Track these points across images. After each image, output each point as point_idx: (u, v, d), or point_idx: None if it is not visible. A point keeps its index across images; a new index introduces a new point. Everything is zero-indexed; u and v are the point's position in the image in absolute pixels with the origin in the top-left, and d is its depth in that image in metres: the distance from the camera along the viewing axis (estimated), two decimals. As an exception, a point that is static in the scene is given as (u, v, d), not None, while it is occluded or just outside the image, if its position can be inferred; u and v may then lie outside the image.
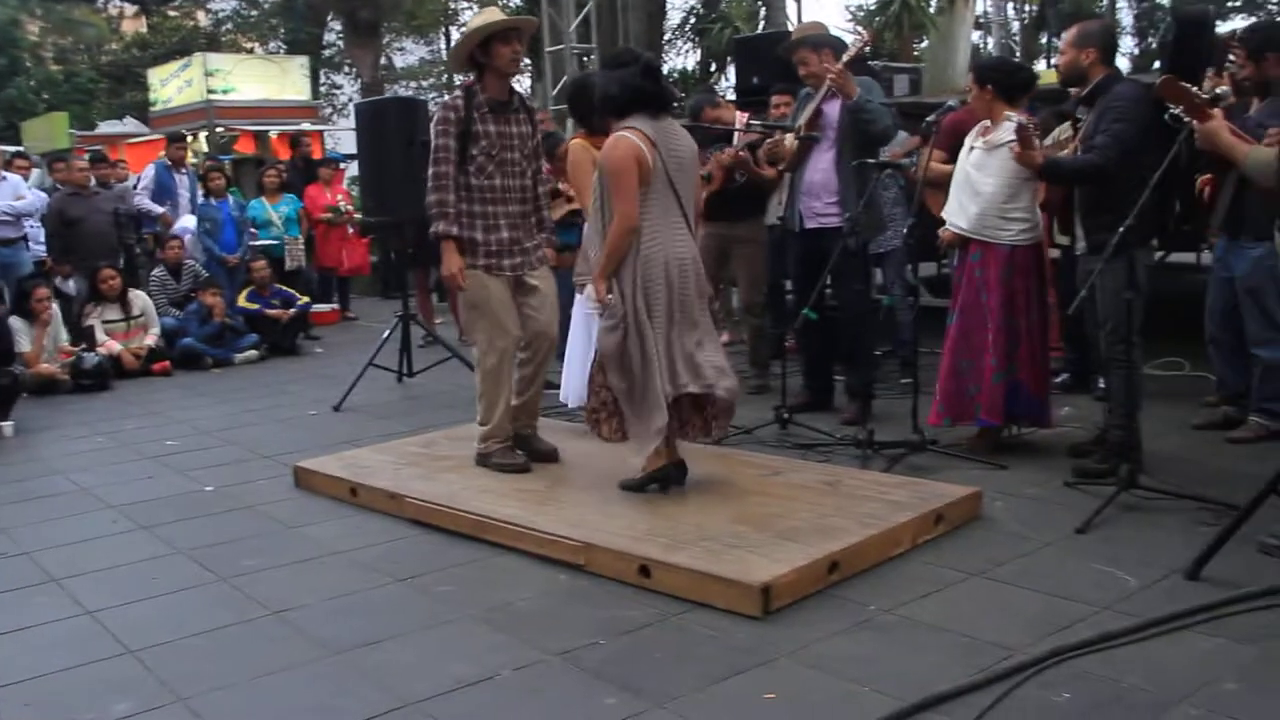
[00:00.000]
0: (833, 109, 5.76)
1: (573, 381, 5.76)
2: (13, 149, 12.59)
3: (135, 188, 10.88)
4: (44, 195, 10.61)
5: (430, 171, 4.98)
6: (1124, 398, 4.69)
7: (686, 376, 4.38)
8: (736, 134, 6.74)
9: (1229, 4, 24.23)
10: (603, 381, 4.47)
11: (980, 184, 5.06)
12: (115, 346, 8.78)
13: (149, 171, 10.96)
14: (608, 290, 4.37)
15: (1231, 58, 5.31)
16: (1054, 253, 6.08)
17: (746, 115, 7.34)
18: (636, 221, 4.29)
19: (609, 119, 4.46)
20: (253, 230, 10.79)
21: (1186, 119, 4.20)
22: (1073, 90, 4.99)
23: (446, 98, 5.16)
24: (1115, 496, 4.30)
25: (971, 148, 5.18)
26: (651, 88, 4.38)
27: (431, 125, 5.08)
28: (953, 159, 5.42)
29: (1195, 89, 4.16)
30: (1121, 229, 4.27)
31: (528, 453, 5.16)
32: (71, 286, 9.87)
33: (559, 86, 12.78)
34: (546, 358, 5.26)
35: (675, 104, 4.67)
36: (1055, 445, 5.31)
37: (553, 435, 5.39)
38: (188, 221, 10.62)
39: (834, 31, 6.25)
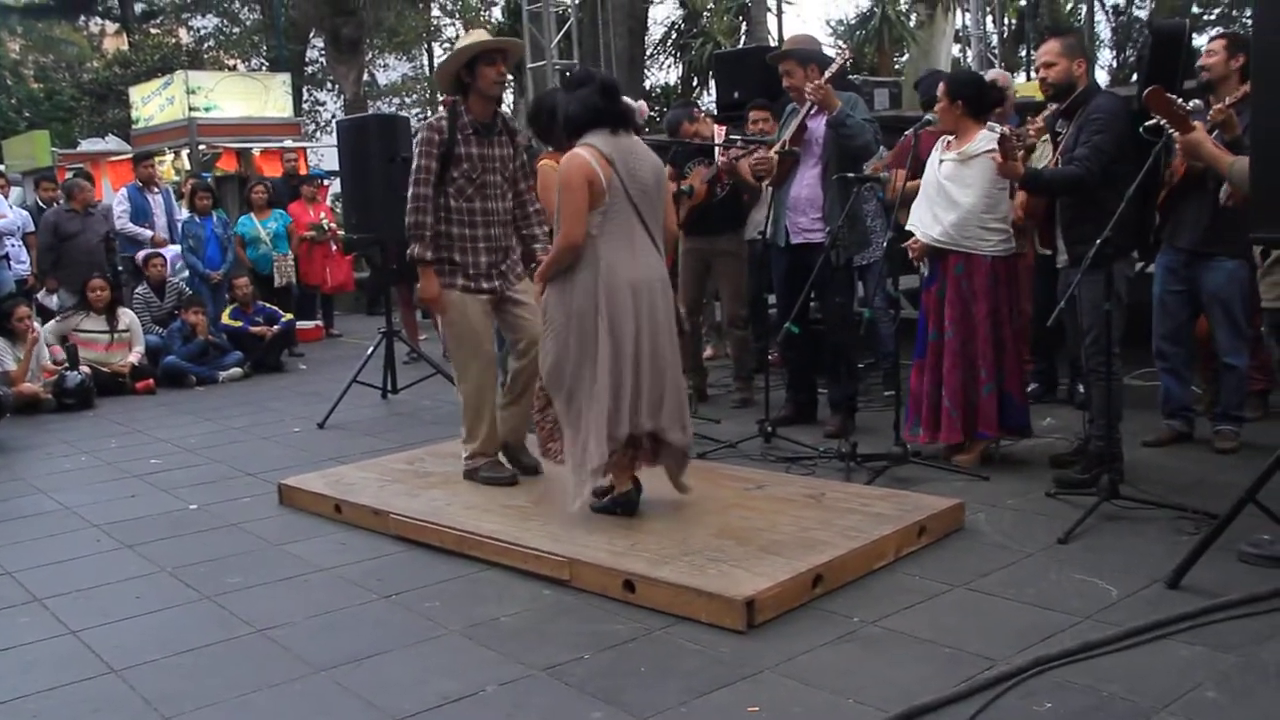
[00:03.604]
0: (817, 124, 5.80)
1: None
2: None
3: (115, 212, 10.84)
4: (25, 214, 10.61)
5: (410, 192, 4.98)
6: (1105, 408, 4.72)
7: (645, 415, 4.29)
8: (717, 149, 6.77)
9: (1204, 17, 24.46)
10: (545, 404, 4.49)
11: (957, 195, 5.09)
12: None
13: (122, 195, 10.93)
14: (544, 294, 4.39)
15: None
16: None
17: (724, 129, 7.38)
18: (578, 240, 4.23)
19: (571, 139, 4.46)
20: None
21: (1169, 130, 4.24)
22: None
23: (430, 118, 5.15)
24: (1096, 506, 4.33)
25: (941, 160, 5.21)
26: (607, 105, 4.32)
27: (414, 144, 5.08)
28: (912, 177, 5.46)
29: (1179, 100, 4.20)
30: (1099, 240, 4.31)
31: (512, 463, 5.18)
32: (55, 301, 9.86)
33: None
34: (533, 376, 5.25)
35: (639, 124, 4.64)
36: (1036, 456, 5.35)
37: (534, 451, 5.39)
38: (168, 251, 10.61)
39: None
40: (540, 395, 4.57)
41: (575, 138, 4.38)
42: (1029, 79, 18.50)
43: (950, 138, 5.20)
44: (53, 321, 8.92)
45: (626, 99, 4.52)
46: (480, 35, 5.16)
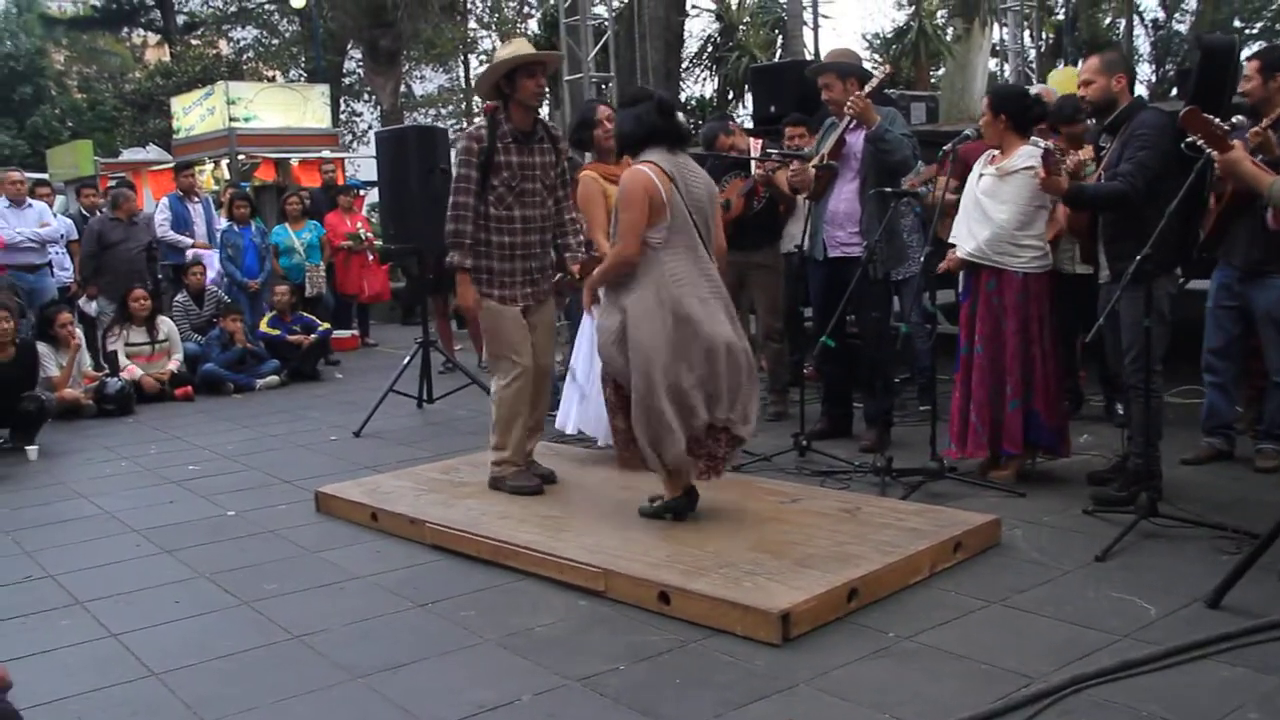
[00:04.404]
0: (856, 139, 5.80)
1: (572, 408, 5.79)
2: (35, 176, 12.77)
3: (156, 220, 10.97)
4: (69, 221, 10.76)
5: (451, 201, 5.02)
6: (1144, 425, 4.69)
7: (721, 408, 4.36)
8: (752, 162, 6.78)
9: (1247, 31, 24.27)
10: (615, 404, 4.51)
11: (993, 210, 5.07)
12: (136, 371, 8.87)
13: (163, 204, 11.09)
14: (612, 311, 4.43)
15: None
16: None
17: (760, 141, 7.38)
18: (634, 254, 4.31)
19: (625, 156, 4.50)
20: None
21: (1207, 149, 4.21)
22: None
23: (470, 127, 5.19)
24: (1135, 524, 4.30)
25: (981, 174, 5.18)
26: (666, 123, 4.41)
27: (454, 153, 5.13)
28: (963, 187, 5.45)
29: (1216, 120, 4.17)
30: (1139, 257, 4.29)
31: None
32: (94, 308, 9.98)
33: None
34: (542, 389, 5.31)
35: (691, 136, 4.70)
36: (1074, 473, 5.31)
37: (570, 462, 5.42)
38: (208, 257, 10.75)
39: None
40: (612, 403, 4.58)
41: (633, 154, 4.44)
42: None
43: (995, 152, 5.18)
44: (121, 342, 9.04)
45: None
46: (520, 46, 5.17)
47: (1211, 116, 4.17)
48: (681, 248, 4.36)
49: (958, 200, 5.37)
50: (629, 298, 4.35)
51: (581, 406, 5.72)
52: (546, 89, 5.18)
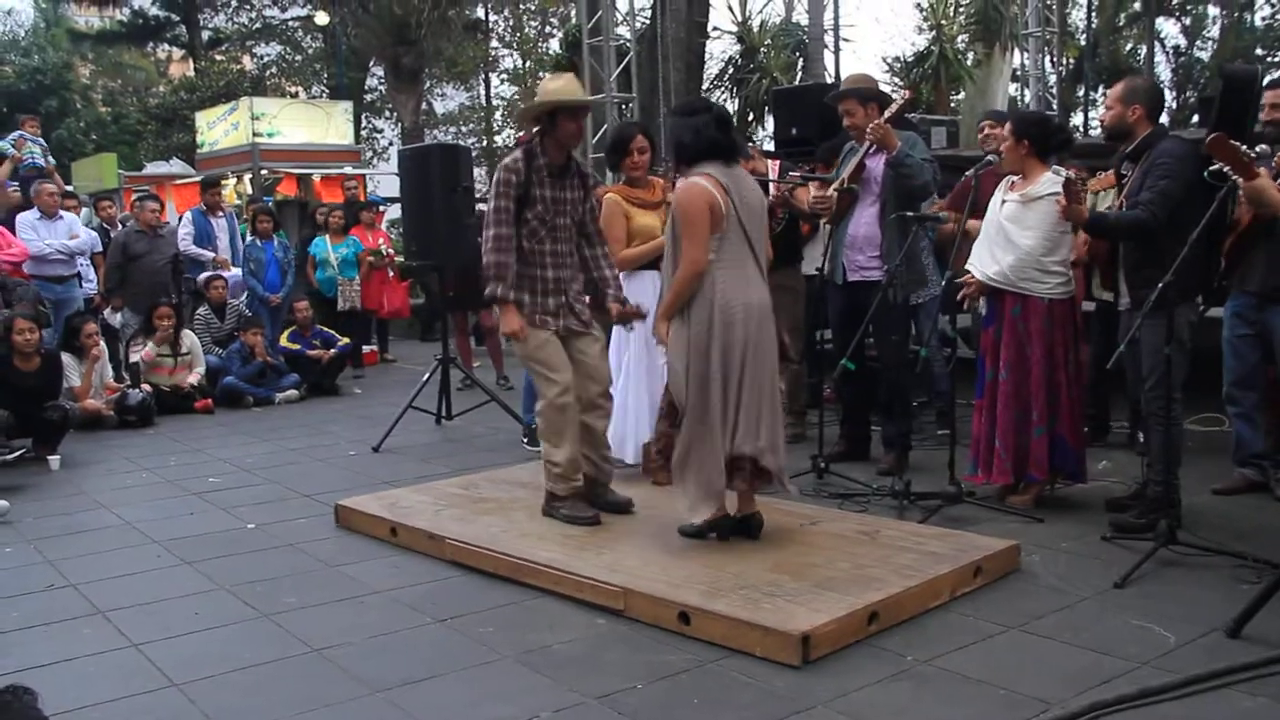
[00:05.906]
0: (876, 163, 5.81)
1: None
2: (65, 188, 12.86)
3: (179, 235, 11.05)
4: (94, 234, 10.85)
5: (489, 234, 4.94)
6: (1164, 453, 4.68)
7: (749, 438, 4.35)
8: (771, 184, 6.80)
9: (1269, 59, 24.21)
10: (665, 429, 4.52)
11: (1017, 236, 5.06)
12: (150, 354, 8.96)
13: (186, 218, 11.17)
14: (669, 331, 4.44)
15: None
16: (1088, 305, 6.10)
17: (778, 162, 7.41)
18: (704, 267, 4.32)
19: (680, 166, 4.53)
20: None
21: (1233, 176, 4.22)
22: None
23: (507, 159, 5.16)
24: (1154, 552, 4.29)
25: (1003, 200, 5.18)
26: (724, 138, 4.44)
27: (491, 184, 5.09)
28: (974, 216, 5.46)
29: (1243, 147, 4.18)
30: (1160, 284, 4.29)
31: (601, 503, 5.07)
32: (118, 320, 10.05)
33: (599, 135, 12.94)
34: (603, 401, 5.19)
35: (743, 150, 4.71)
36: (1092, 499, 5.29)
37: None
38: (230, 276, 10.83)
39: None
40: (664, 413, 4.62)
41: (689, 166, 4.46)
42: (1086, 119, 18.41)
43: (1015, 178, 5.18)
44: (138, 359, 9.13)
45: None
46: (568, 85, 5.07)
47: (1238, 144, 4.18)
48: (733, 264, 4.37)
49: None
50: (685, 329, 4.37)
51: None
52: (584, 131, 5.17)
